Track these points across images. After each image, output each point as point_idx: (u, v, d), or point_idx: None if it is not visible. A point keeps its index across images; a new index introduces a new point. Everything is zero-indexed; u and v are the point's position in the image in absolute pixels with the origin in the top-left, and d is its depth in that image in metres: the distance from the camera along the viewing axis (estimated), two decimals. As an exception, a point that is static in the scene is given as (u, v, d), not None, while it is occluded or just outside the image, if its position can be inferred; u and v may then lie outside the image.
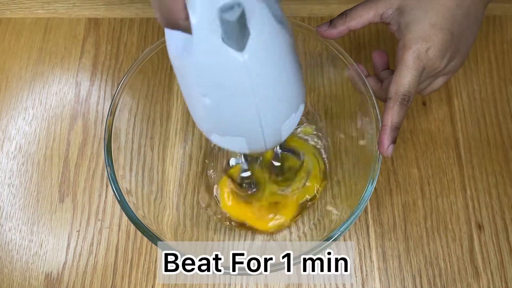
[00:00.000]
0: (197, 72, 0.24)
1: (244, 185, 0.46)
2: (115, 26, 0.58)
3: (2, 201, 0.50)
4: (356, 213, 0.36)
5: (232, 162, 0.45)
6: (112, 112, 0.40)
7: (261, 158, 0.44)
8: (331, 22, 0.41)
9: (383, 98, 0.41)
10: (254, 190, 0.46)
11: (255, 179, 0.45)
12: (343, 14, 0.41)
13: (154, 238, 0.36)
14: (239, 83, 0.24)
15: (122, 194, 0.38)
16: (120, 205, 0.37)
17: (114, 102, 0.40)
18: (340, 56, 0.42)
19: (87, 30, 0.58)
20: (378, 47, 0.55)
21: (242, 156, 0.42)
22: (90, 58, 0.56)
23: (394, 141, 0.38)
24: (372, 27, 0.57)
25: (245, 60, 0.23)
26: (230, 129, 0.28)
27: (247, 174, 0.44)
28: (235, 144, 0.29)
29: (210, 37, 0.22)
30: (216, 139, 0.29)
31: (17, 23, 0.59)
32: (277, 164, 0.44)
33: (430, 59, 0.38)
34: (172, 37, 0.25)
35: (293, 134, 0.48)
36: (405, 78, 0.38)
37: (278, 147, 0.42)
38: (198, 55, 0.23)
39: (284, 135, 0.30)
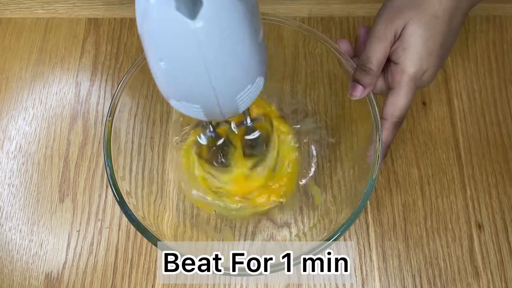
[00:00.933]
0: (153, 38, 0.25)
1: (215, 161, 0.46)
2: (115, 26, 0.58)
3: (2, 200, 0.50)
4: (356, 213, 0.36)
5: (203, 140, 0.44)
6: (111, 113, 0.40)
7: (232, 129, 0.44)
8: (359, 82, 0.40)
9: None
10: (224, 161, 0.46)
11: (227, 152, 0.46)
12: (365, 69, 0.40)
13: (154, 239, 0.36)
14: (191, 51, 0.25)
15: (122, 195, 0.38)
16: (120, 207, 0.37)
17: (114, 103, 0.40)
18: (340, 57, 0.42)
19: (87, 30, 0.58)
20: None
21: (211, 126, 0.42)
22: (90, 58, 0.56)
23: (384, 156, 0.41)
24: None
25: (196, 28, 0.24)
26: (185, 95, 0.29)
27: (221, 141, 0.44)
28: (192, 110, 0.30)
29: (163, 4, 0.23)
30: (174, 104, 0.30)
31: (17, 23, 0.59)
32: (250, 137, 0.44)
33: (424, 82, 0.40)
34: (136, 5, 0.26)
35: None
36: (401, 102, 0.39)
37: (248, 120, 0.41)
38: (153, 22, 0.25)
39: (242, 107, 0.31)
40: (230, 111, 0.31)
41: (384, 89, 0.41)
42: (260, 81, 0.30)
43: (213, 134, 0.43)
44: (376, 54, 0.39)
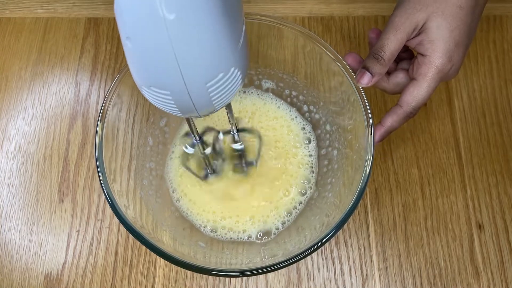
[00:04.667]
0: (120, 15, 0.25)
1: (204, 173, 0.45)
2: (115, 26, 0.58)
3: (1, 200, 0.50)
4: (349, 208, 0.36)
5: (189, 150, 0.43)
6: (102, 119, 0.39)
7: (221, 143, 0.44)
8: (368, 69, 0.40)
9: (386, 90, 0.43)
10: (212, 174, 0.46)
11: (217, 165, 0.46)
12: (377, 57, 0.39)
13: (154, 248, 0.36)
14: (156, 31, 0.25)
15: (118, 206, 0.37)
16: (114, 212, 0.37)
17: (104, 107, 0.39)
18: (336, 62, 0.42)
19: (87, 29, 0.58)
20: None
21: (197, 135, 0.41)
22: (90, 58, 0.56)
23: (381, 140, 0.42)
24: (372, 27, 0.57)
25: (162, 7, 0.23)
26: (154, 79, 0.28)
27: (208, 150, 0.43)
28: (164, 101, 0.29)
29: None
30: (146, 93, 0.30)
31: (17, 23, 0.59)
32: (237, 147, 0.43)
33: (449, 76, 0.40)
34: None
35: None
36: (421, 94, 0.39)
37: (234, 129, 0.41)
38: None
39: (217, 102, 0.30)
40: (203, 105, 0.30)
41: (403, 83, 0.41)
42: (235, 74, 0.29)
43: (199, 143, 0.42)
44: (390, 44, 0.39)
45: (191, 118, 0.38)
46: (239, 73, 0.29)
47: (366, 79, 0.39)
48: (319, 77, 0.46)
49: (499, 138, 0.51)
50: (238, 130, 0.42)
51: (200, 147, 0.43)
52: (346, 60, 0.42)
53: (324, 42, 0.42)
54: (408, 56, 0.44)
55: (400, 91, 0.42)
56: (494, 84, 0.54)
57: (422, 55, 0.39)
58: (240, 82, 0.30)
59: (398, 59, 0.43)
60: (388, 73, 0.43)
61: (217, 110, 0.32)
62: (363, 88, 0.40)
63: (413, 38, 0.40)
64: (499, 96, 0.53)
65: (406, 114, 0.40)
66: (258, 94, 0.51)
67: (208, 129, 0.45)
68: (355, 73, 0.41)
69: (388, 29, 0.39)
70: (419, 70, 0.39)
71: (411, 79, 0.40)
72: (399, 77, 0.42)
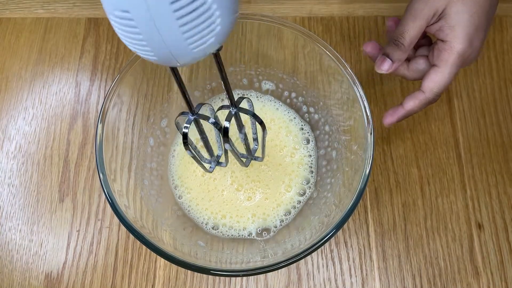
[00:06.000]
0: None
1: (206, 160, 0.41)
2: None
3: (2, 200, 0.50)
4: (349, 208, 0.36)
5: (185, 128, 0.35)
6: (102, 119, 0.39)
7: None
8: (388, 56, 0.41)
9: (406, 77, 0.43)
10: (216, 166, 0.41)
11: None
12: (397, 43, 0.40)
13: (154, 248, 0.36)
14: None
15: (119, 206, 0.37)
16: (114, 212, 0.37)
17: (104, 107, 0.39)
18: (337, 62, 0.42)
19: (87, 30, 0.58)
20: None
21: (191, 107, 0.35)
22: (90, 58, 0.56)
23: (398, 121, 0.43)
24: (373, 28, 0.57)
25: None
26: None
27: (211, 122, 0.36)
28: (133, 36, 0.26)
29: None
30: (114, 25, 0.26)
31: (17, 23, 0.59)
32: (226, 124, 0.35)
33: (470, 60, 0.40)
34: None
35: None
36: (443, 79, 0.40)
37: (233, 108, 0.35)
38: None
39: (191, 43, 0.26)
40: (177, 45, 0.26)
41: (423, 69, 0.42)
42: (211, 7, 0.25)
43: (195, 117, 0.35)
44: (410, 31, 0.39)
45: (181, 83, 0.32)
46: (215, 7, 0.25)
47: (386, 66, 0.40)
48: (319, 77, 0.46)
49: (498, 139, 0.51)
50: (237, 109, 0.35)
51: (198, 128, 0.38)
52: (365, 49, 0.43)
53: (324, 42, 0.42)
54: (426, 42, 0.44)
55: (420, 77, 0.42)
56: (493, 84, 0.54)
57: (442, 41, 0.39)
58: (218, 24, 0.26)
59: (416, 46, 0.44)
60: (407, 60, 0.44)
61: (198, 59, 0.28)
62: (362, 88, 0.40)
63: (432, 24, 0.40)
64: (498, 96, 0.53)
65: (428, 100, 0.41)
66: (257, 97, 0.51)
67: (204, 106, 0.38)
68: (374, 61, 0.41)
69: (407, 16, 0.40)
70: (440, 56, 0.39)
71: (432, 65, 0.41)
72: (420, 63, 0.42)
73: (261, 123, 0.37)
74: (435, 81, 0.40)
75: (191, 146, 0.38)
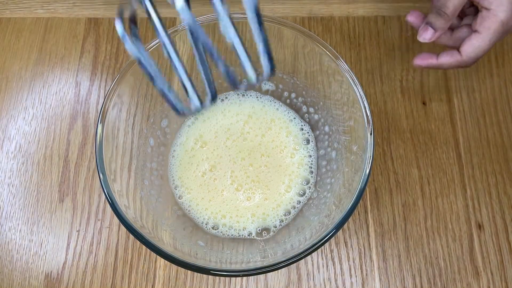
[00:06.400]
0: None
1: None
2: (115, 26, 0.58)
3: (2, 200, 0.50)
4: (349, 209, 0.36)
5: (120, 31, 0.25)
6: (102, 119, 0.39)
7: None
8: (431, 25, 0.41)
9: (447, 45, 0.44)
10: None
11: None
12: (440, 12, 0.40)
13: (154, 248, 0.36)
14: None
15: (119, 206, 0.37)
16: (114, 212, 0.37)
17: (104, 107, 0.39)
18: (335, 61, 0.42)
19: (87, 30, 0.58)
20: (378, 48, 0.55)
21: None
22: (90, 58, 0.56)
23: (425, 67, 0.44)
24: (373, 28, 0.57)
25: None
26: None
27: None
28: None
29: None
30: None
31: (17, 23, 0.59)
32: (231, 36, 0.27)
33: (510, 28, 0.40)
34: None
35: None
36: (483, 46, 0.40)
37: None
38: None
39: None
40: None
41: (465, 37, 0.42)
42: None
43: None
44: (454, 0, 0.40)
45: None
46: None
47: (429, 34, 0.41)
48: (319, 77, 0.46)
49: (498, 139, 0.51)
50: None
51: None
52: (408, 18, 0.44)
53: (324, 42, 0.42)
54: (472, 12, 0.44)
55: (456, 41, 0.43)
56: (493, 84, 0.54)
57: (486, 9, 0.40)
58: None
59: (462, 15, 0.44)
60: (451, 29, 0.44)
61: None
62: (362, 88, 0.40)
63: None
64: (498, 96, 0.53)
65: (463, 62, 0.41)
66: (257, 97, 0.51)
67: None
68: (417, 31, 0.42)
69: None
70: (483, 23, 0.40)
71: (473, 31, 0.41)
72: (463, 31, 0.43)
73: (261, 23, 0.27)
74: (474, 46, 0.40)
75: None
